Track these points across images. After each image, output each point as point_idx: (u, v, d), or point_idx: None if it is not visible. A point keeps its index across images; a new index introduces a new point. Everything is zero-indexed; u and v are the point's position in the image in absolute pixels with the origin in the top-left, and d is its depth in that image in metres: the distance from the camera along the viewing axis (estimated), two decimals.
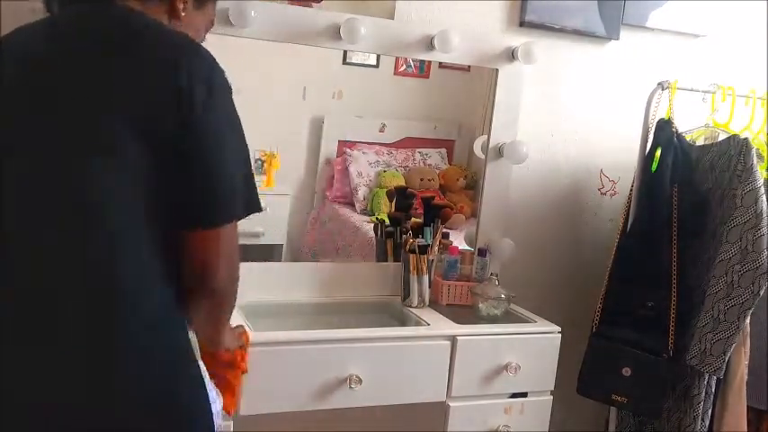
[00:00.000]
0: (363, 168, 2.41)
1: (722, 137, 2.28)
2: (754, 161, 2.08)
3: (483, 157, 2.34)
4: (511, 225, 2.38)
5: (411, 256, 2.13)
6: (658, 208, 2.19)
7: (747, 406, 2.18)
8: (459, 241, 2.36)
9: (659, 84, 2.25)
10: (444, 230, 2.31)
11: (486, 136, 2.31)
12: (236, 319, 1.54)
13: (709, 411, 2.19)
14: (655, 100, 2.25)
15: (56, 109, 1.04)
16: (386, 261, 2.30)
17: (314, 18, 2.02)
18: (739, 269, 2.06)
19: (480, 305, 2.13)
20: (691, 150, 2.27)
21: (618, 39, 2.48)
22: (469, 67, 2.32)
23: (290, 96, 2.28)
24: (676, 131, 2.22)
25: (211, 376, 1.27)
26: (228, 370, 1.48)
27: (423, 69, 2.38)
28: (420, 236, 2.20)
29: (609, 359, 2.20)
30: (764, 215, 2.05)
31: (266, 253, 2.27)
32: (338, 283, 2.19)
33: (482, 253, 2.29)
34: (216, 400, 1.26)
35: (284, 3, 2.03)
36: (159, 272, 1.08)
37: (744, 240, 2.06)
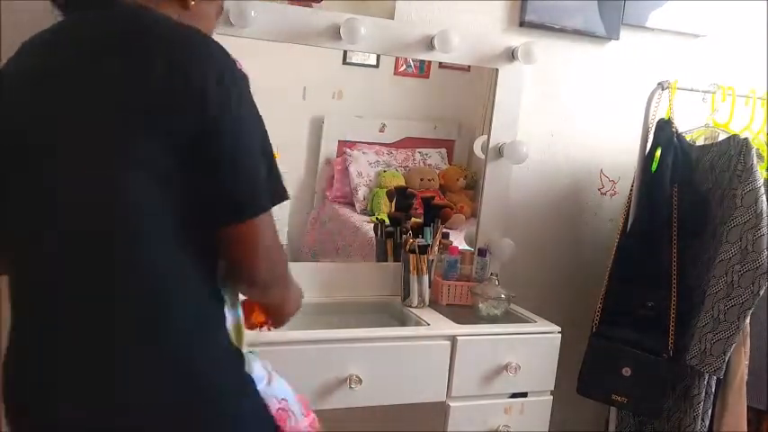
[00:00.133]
0: (363, 168, 2.41)
1: (722, 137, 2.28)
2: (754, 161, 2.08)
3: (483, 157, 2.34)
4: (511, 225, 2.38)
5: (411, 256, 2.13)
6: (658, 208, 2.19)
7: (747, 406, 2.18)
8: (459, 241, 2.36)
9: (659, 84, 2.25)
10: (444, 230, 2.31)
11: (486, 136, 2.31)
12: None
13: (710, 411, 2.19)
14: (655, 100, 2.25)
15: (73, 117, 1.03)
16: (386, 261, 2.30)
17: (314, 18, 2.02)
18: (739, 269, 2.06)
19: (480, 305, 2.13)
20: (691, 150, 2.27)
21: (618, 39, 2.48)
22: (469, 67, 2.32)
23: (290, 96, 2.28)
24: (676, 131, 2.22)
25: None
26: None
27: (423, 69, 2.38)
28: (420, 236, 2.20)
29: (609, 359, 2.20)
30: (764, 215, 2.05)
31: None
32: (338, 283, 2.19)
33: (482, 253, 2.29)
34: (262, 378, 1.26)
35: (284, 3, 2.03)
36: (194, 274, 1.07)
37: (744, 240, 2.06)
